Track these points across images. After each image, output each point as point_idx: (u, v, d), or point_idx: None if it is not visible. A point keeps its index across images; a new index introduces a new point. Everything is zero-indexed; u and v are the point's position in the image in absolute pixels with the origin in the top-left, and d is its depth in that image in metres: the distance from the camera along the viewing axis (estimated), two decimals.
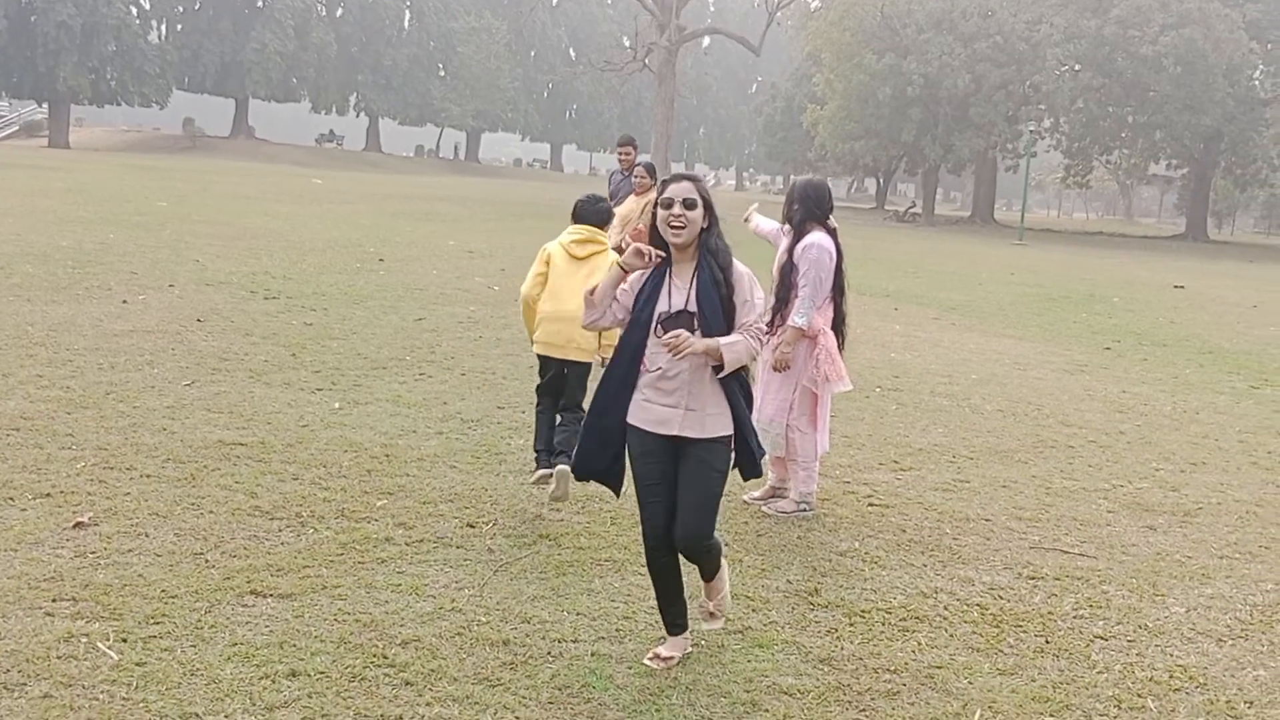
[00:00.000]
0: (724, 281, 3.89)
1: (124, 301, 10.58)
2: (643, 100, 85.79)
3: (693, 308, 3.86)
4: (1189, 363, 13.03)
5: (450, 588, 4.56)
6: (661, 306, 3.89)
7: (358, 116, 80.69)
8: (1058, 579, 5.29)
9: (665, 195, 3.92)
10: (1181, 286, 24.39)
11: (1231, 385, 11.56)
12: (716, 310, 3.86)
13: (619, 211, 10.07)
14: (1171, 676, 4.30)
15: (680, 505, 3.95)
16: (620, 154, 11.43)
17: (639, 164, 10.53)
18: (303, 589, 4.40)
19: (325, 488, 5.69)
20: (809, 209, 5.94)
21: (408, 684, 3.69)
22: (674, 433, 3.91)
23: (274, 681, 3.63)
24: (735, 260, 3.95)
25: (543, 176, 75.01)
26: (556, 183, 66.35)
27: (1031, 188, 63.20)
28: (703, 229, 3.91)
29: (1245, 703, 4.10)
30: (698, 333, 3.81)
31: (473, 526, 5.33)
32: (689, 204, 3.88)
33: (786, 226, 6.06)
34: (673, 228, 3.88)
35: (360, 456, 6.29)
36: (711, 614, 4.25)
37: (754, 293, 3.94)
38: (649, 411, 3.94)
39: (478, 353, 9.72)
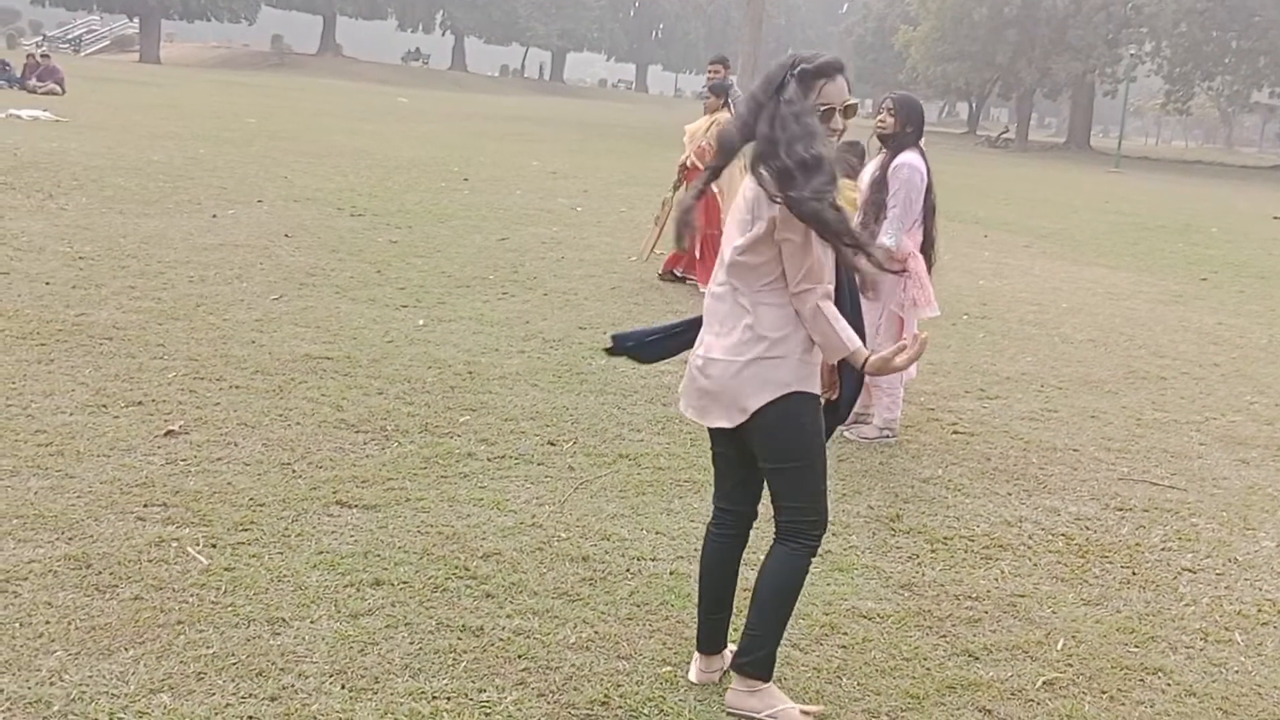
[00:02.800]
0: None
1: (213, 216, 10.74)
2: (730, 20, 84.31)
3: None
4: None
5: (531, 503, 4.60)
6: None
7: (443, 35, 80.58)
8: (1146, 511, 5.18)
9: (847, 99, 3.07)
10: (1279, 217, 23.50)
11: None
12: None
13: (687, 129, 9.96)
14: (1260, 610, 4.20)
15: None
16: (710, 72, 11.25)
17: (707, 84, 10.42)
18: (387, 501, 4.47)
19: (409, 403, 5.76)
20: (919, 129, 5.81)
21: (489, 596, 3.74)
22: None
23: (358, 589, 3.70)
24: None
25: (628, 98, 74.41)
26: (641, 104, 65.81)
27: (1130, 114, 61.09)
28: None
29: None
30: None
31: (553, 444, 5.36)
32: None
33: (877, 143, 5.91)
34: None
35: (444, 373, 6.35)
36: None
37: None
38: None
39: (560, 273, 9.72)
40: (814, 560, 4.29)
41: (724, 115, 9.83)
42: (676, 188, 9.88)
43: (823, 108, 2.97)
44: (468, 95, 53.54)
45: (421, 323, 7.48)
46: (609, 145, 26.28)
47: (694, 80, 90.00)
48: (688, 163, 9.71)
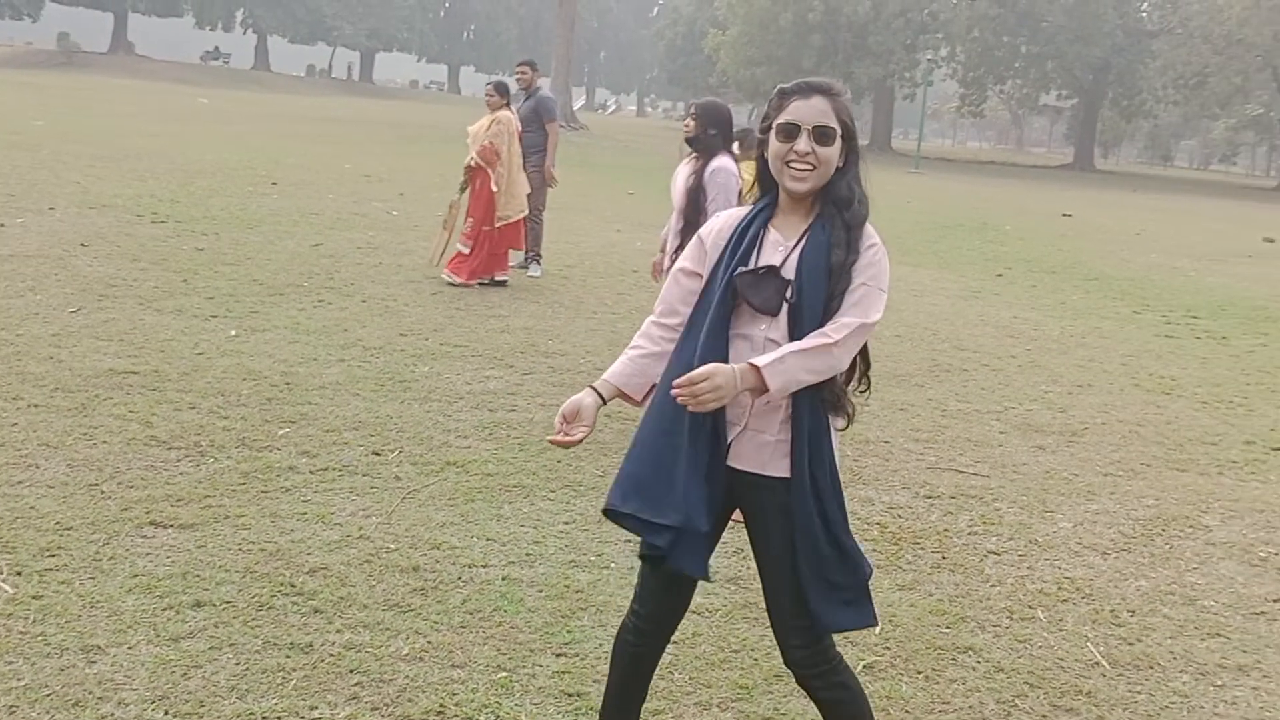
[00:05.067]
0: (848, 245, 2.53)
1: (0, 225, 10.13)
2: (542, 22, 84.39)
3: (789, 272, 2.52)
4: (1076, 289, 13.42)
5: (357, 515, 4.53)
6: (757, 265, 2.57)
7: (245, 33, 77.88)
8: (953, 498, 5.46)
9: (785, 118, 2.55)
10: (1069, 215, 25.02)
11: (1115, 310, 11.95)
12: (820, 283, 2.50)
13: (470, 129, 9.95)
14: (1060, 588, 4.48)
15: (767, 588, 2.71)
16: (518, 74, 11.27)
17: (489, 82, 10.45)
18: (204, 519, 4.32)
19: (224, 416, 5.57)
20: (725, 133, 5.93)
21: (317, 611, 3.67)
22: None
23: (178, 612, 3.57)
24: (871, 225, 2.61)
25: (440, 99, 73.43)
26: (454, 105, 65.08)
27: (928, 117, 63.89)
28: (838, 168, 2.59)
29: (1128, 611, 4.30)
30: (782, 315, 2.52)
31: (378, 454, 5.28)
32: (824, 136, 2.54)
33: (687, 149, 6.02)
34: (794, 169, 2.54)
35: (259, 384, 6.17)
36: None
37: (874, 277, 2.53)
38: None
39: (378, 279, 9.56)
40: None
41: (505, 114, 9.83)
42: (463, 190, 9.85)
43: (785, 124, 2.54)
44: (273, 96, 51.90)
45: (233, 333, 7.24)
46: (423, 147, 25.92)
47: (508, 83, 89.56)
48: (471, 163, 9.69)
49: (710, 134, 5.91)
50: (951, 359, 8.69)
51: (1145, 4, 57.93)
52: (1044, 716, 3.47)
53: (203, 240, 10.48)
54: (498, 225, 9.68)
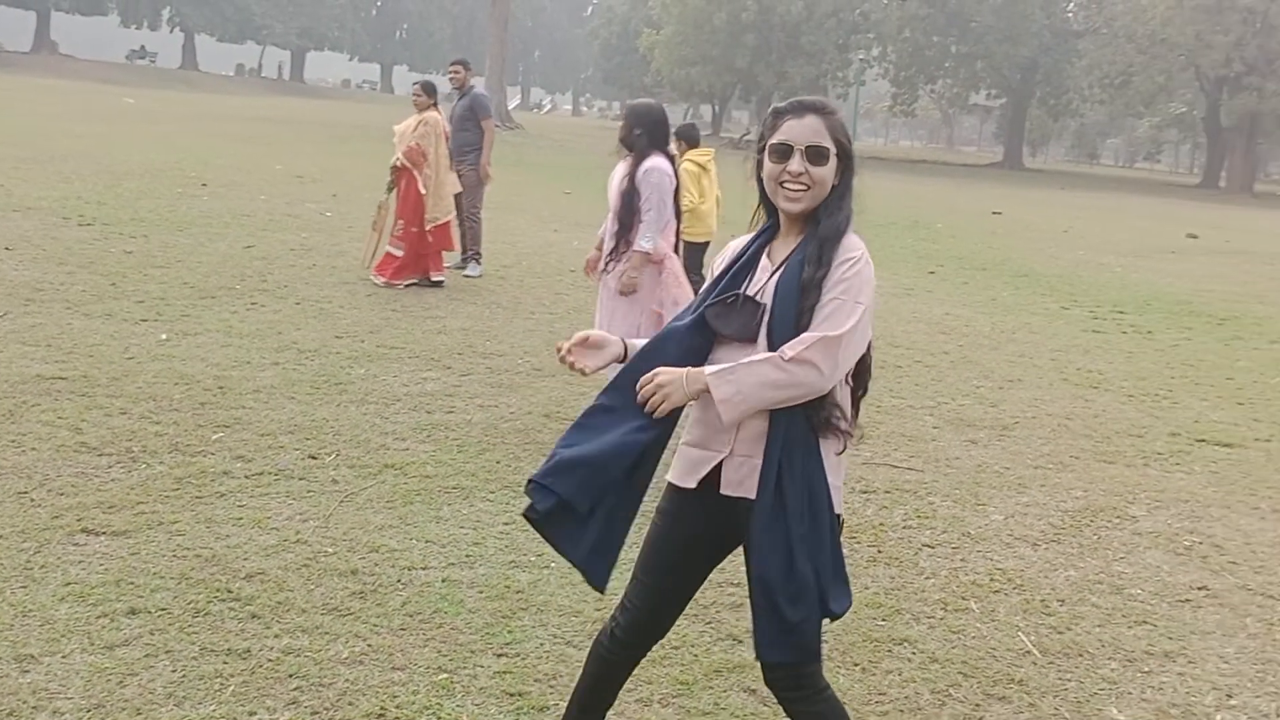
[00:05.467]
0: (819, 260, 2.48)
1: None
2: (476, 20, 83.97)
3: (767, 297, 2.51)
4: (1006, 285, 13.66)
5: (294, 520, 4.49)
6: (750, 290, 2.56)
7: (171, 32, 76.49)
8: (888, 492, 5.54)
9: (778, 138, 2.55)
10: (999, 213, 25.45)
11: (1044, 306, 12.18)
12: (791, 303, 2.46)
13: (396, 129, 9.88)
14: (992, 579, 4.57)
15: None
16: (451, 73, 11.23)
17: (416, 82, 10.39)
18: (138, 525, 4.26)
19: (156, 422, 5.49)
20: (653, 134, 5.95)
21: (254, 617, 3.64)
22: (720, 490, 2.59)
23: (112, 620, 3.52)
24: (852, 235, 2.57)
25: (373, 98, 72.75)
26: (387, 105, 64.52)
27: (861, 116, 64.58)
28: (833, 187, 2.57)
29: (1058, 601, 4.40)
30: (761, 340, 2.49)
31: (315, 458, 5.24)
32: (817, 155, 2.53)
33: (622, 150, 6.05)
34: (787, 189, 2.54)
35: (192, 389, 6.09)
36: None
37: (846, 290, 2.46)
38: (683, 456, 2.66)
39: (312, 281, 9.46)
40: None
41: (432, 115, 9.77)
42: (390, 190, 9.77)
43: (778, 144, 2.55)
44: (201, 96, 51.08)
45: (164, 337, 7.13)
46: (356, 147, 25.67)
47: (442, 81, 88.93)
48: (398, 163, 9.63)
49: (636, 134, 5.94)
50: (885, 356, 8.81)
51: (1071, 4, 59.00)
52: (977, 705, 3.55)
53: (131, 243, 10.30)
54: (428, 228, 9.62)
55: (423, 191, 9.57)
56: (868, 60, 56.53)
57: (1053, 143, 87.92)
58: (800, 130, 2.52)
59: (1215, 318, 12.19)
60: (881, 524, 5.09)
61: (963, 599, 4.36)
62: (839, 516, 2.56)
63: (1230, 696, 3.74)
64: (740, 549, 2.61)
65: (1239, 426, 7.41)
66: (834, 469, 2.55)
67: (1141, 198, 42.63)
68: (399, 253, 9.59)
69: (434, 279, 9.79)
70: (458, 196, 10.90)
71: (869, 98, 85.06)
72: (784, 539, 2.44)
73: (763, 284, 2.53)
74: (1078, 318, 11.61)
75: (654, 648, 2.83)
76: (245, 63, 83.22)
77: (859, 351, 2.49)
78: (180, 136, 23.60)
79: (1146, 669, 3.89)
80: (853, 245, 2.52)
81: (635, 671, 3.49)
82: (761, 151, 2.58)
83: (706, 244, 8.97)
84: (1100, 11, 53.97)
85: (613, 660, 2.79)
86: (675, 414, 2.55)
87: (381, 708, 3.19)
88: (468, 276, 10.56)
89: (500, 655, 3.56)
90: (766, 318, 2.49)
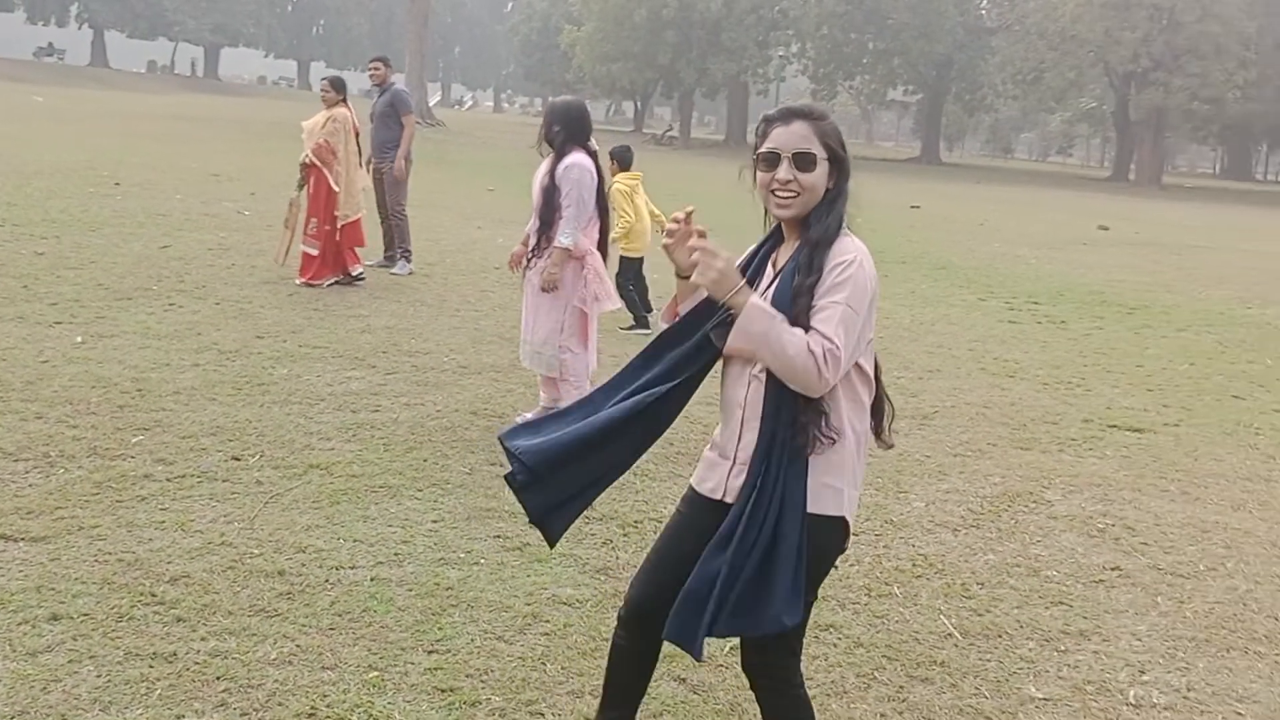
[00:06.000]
0: (809, 266, 2.49)
1: None
2: (394, 16, 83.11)
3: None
4: (925, 278, 13.91)
5: (218, 522, 4.44)
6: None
7: (80, 28, 74.72)
8: None
9: (766, 146, 2.56)
10: (918, 206, 25.88)
11: (962, 298, 12.43)
12: (784, 310, 2.46)
13: (304, 125, 9.76)
14: (914, 565, 4.68)
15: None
16: (371, 70, 11.14)
17: (324, 77, 10.29)
18: (57, 531, 4.18)
19: (73, 426, 5.39)
20: (570, 130, 5.96)
21: (180, 620, 3.60)
22: (719, 497, 2.66)
23: (34, 626, 3.46)
24: (848, 237, 2.58)
25: (290, 95, 71.66)
26: (305, 101, 63.62)
27: None
28: (827, 190, 2.56)
29: (978, 584, 4.51)
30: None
31: (238, 459, 5.18)
32: (804, 161, 2.53)
33: (545, 147, 6.07)
34: (777, 196, 2.54)
35: (110, 392, 5.98)
36: None
37: (839, 297, 2.44)
38: (703, 459, 2.77)
39: (231, 281, 9.33)
40: (513, 554, 4.41)
41: (341, 111, 9.64)
42: (301, 187, 9.64)
43: (766, 152, 2.56)
44: (113, 93, 49.91)
45: (80, 340, 6.99)
46: (273, 145, 25.29)
47: (361, 78, 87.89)
48: (307, 160, 9.51)
49: (555, 130, 5.96)
50: None
51: (984, 2, 60.17)
52: (901, 688, 3.63)
53: (43, 244, 10.06)
54: (339, 225, 9.47)
55: (334, 188, 9.43)
56: (787, 56, 57.05)
57: (968, 137, 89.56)
58: (787, 137, 2.53)
59: (1126, 307, 12.53)
60: None
61: (886, 584, 4.45)
62: (842, 519, 2.61)
63: (1143, 672, 3.87)
64: None
65: (1149, 412, 7.64)
66: (833, 469, 2.56)
67: (1055, 191, 43.61)
68: (314, 251, 9.45)
69: (353, 274, 9.69)
70: (380, 195, 10.82)
71: (789, 93, 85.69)
72: (742, 538, 2.48)
73: (763, 293, 2.54)
74: (994, 309, 11.86)
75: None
76: (157, 60, 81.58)
77: (853, 356, 2.48)
78: (92, 135, 23.06)
79: (1063, 648, 4.01)
80: (846, 249, 2.51)
81: (566, 664, 3.53)
82: (755, 160, 2.58)
83: (642, 259, 9.30)
84: (1013, 9, 55.09)
85: (618, 644, 2.86)
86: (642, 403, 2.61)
87: (312, 707, 3.18)
88: (395, 275, 10.48)
89: (431, 652, 3.56)
90: None
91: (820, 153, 2.52)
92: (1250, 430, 7.36)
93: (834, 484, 2.58)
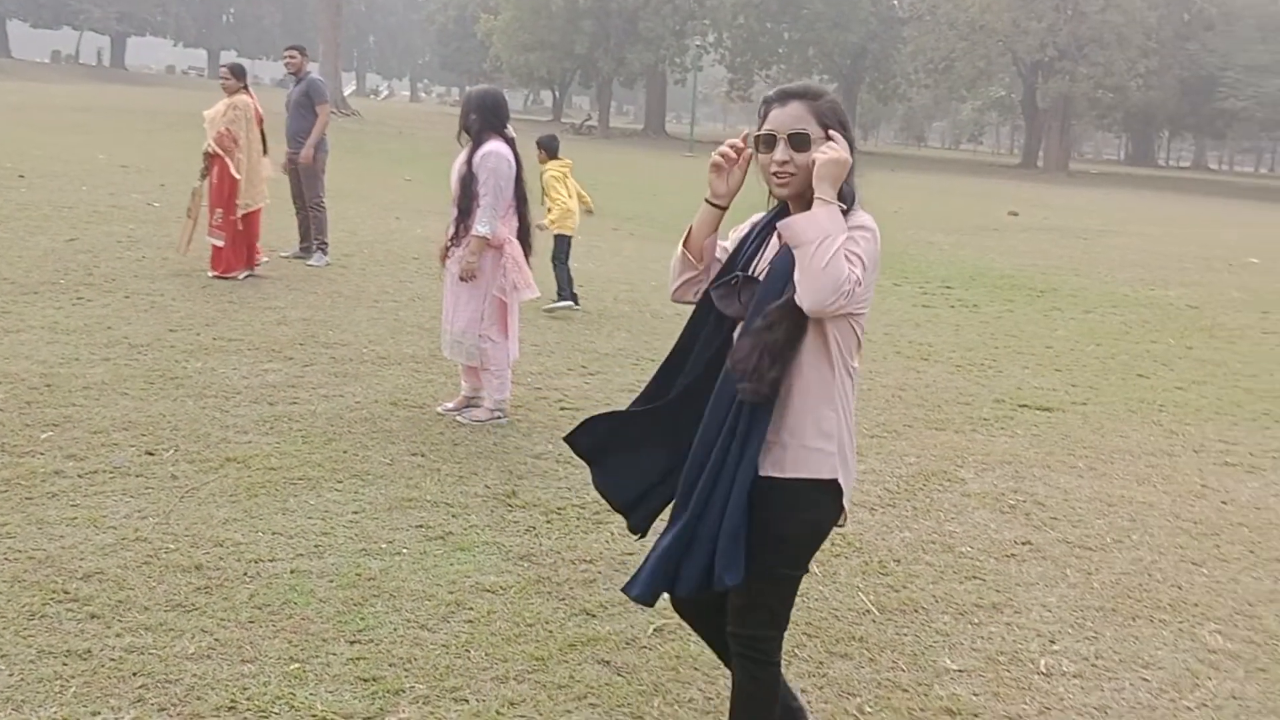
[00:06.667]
0: None
1: None
2: (307, 4, 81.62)
3: (761, 275, 2.62)
4: None
5: (132, 517, 4.36)
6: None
7: None
8: None
9: (765, 129, 2.61)
10: None
11: (878, 284, 12.59)
12: (780, 277, 2.54)
13: (206, 114, 9.58)
14: (832, 543, 4.75)
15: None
16: (286, 59, 11.00)
17: (224, 64, 10.12)
18: None
19: None
20: (486, 118, 5.95)
21: (94, 617, 3.53)
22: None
23: None
24: (858, 212, 2.58)
25: (200, 85, 70.03)
26: (216, 92, 62.31)
27: (699, 101, 65.37)
28: None
29: (894, 561, 4.61)
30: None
31: (152, 454, 5.09)
32: (800, 142, 2.56)
33: (464, 137, 6.04)
34: (776, 177, 2.59)
35: (16, 388, 5.83)
36: None
37: (857, 246, 2.51)
38: None
39: (142, 274, 9.13)
40: (436, 543, 4.40)
41: (242, 98, 9.47)
42: (203, 176, 9.44)
43: (763, 134, 2.60)
44: (15, 84, 48.37)
45: None
46: (184, 136, 24.70)
47: (272, 67, 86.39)
48: (210, 150, 9.33)
49: (471, 119, 5.95)
50: None
51: None
52: (821, 663, 3.70)
53: None
54: (238, 214, 9.26)
55: (236, 177, 9.24)
56: (704, 46, 57.21)
57: (883, 126, 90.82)
58: (782, 118, 2.57)
59: (1035, 290, 12.83)
60: None
61: None
62: (832, 481, 2.62)
63: (1053, 642, 3.99)
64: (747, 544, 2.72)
65: (1057, 391, 7.85)
66: (812, 429, 2.61)
67: (966, 178, 44.40)
68: (221, 243, 9.25)
69: (255, 269, 9.51)
70: (296, 185, 10.66)
71: (707, 83, 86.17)
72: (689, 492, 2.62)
73: (768, 261, 2.61)
74: (909, 294, 12.06)
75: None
76: (62, 49, 79.19)
77: (859, 303, 2.52)
78: None
79: (976, 620, 4.11)
80: (863, 218, 2.56)
81: (490, 650, 3.54)
82: (755, 141, 2.62)
83: (570, 237, 9.63)
84: None
85: (682, 608, 2.94)
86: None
87: (232, 700, 3.15)
88: (312, 266, 10.34)
89: (353, 642, 3.54)
90: (757, 291, 2.56)
91: (816, 132, 2.55)
92: (1154, 407, 7.60)
93: (815, 445, 2.61)
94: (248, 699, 3.16)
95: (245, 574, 3.96)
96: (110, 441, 5.20)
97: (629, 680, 3.48)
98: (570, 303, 9.43)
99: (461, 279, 5.93)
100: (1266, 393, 8.26)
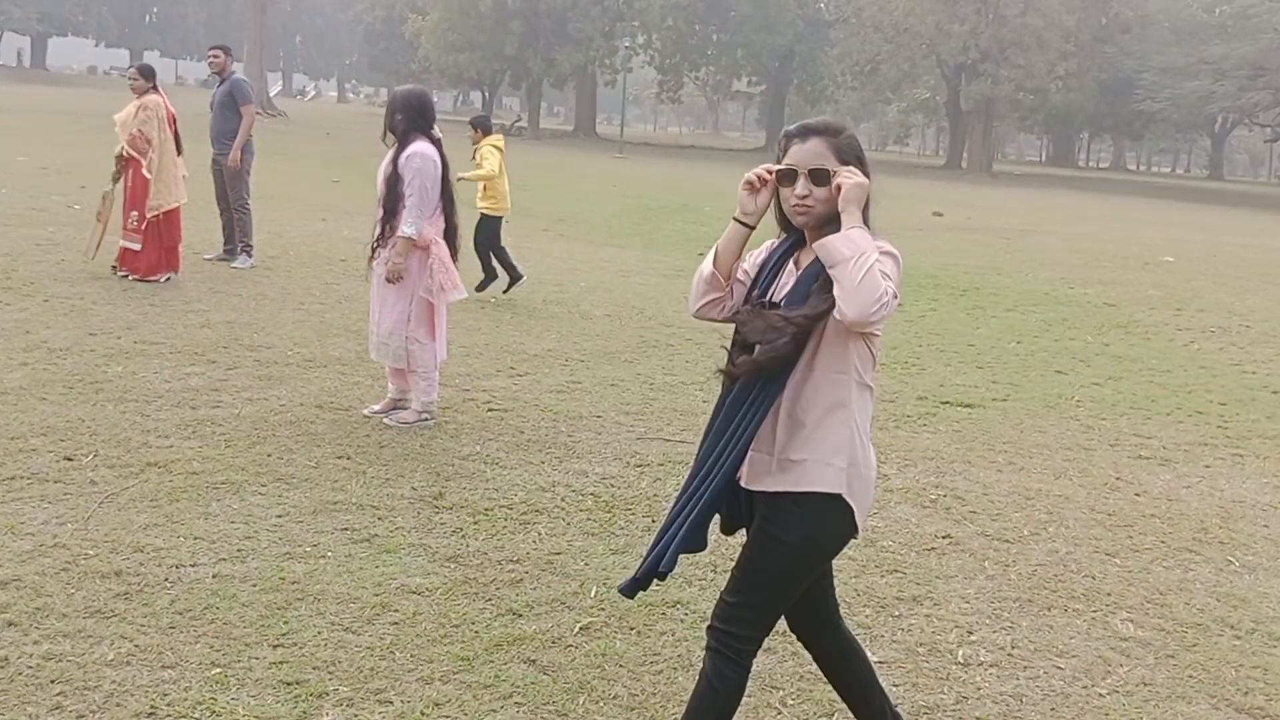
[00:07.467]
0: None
1: None
2: (233, 4, 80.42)
3: (780, 299, 2.71)
4: None
5: (50, 524, 4.29)
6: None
7: None
8: (661, 465, 5.73)
9: (785, 164, 2.69)
10: None
11: None
12: (801, 298, 2.65)
13: (116, 118, 9.45)
14: None
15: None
16: (210, 59, 10.87)
17: (133, 66, 10.01)
18: None
19: None
20: (412, 118, 5.93)
21: (10, 624, 3.47)
22: (757, 487, 2.83)
23: None
24: (879, 237, 2.70)
25: (122, 85, 68.76)
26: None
27: (629, 103, 65.49)
28: None
29: None
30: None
31: (71, 459, 5.01)
32: (820, 177, 2.65)
33: (390, 137, 6.02)
34: (796, 209, 2.69)
35: None
36: None
37: (886, 265, 2.63)
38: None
39: (61, 277, 8.96)
40: (361, 545, 4.39)
41: (153, 99, 9.34)
42: (116, 179, 9.30)
43: (784, 170, 2.69)
44: None
45: None
46: (106, 137, 24.16)
47: (196, 68, 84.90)
48: (123, 153, 9.20)
49: (397, 119, 5.94)
50: (659, 335, 9.06)
51: None
52: None
53: None
54: (149, 215, 9.10)
55: (148, 177, 9.09)
56: (634, 48, 57.40)
57: None
58: (803, 154, 2.67)
59: (959, 289, 13.06)
60: (655, 495, 5.27)
61: (731, 560, 4.54)
62: (838, 496, 2.71)
63: (971, 633, 4.08)
64: (742, 538, 3.02)
65: (979, 388, 8.01)
66: (825, 444, 2.72)
67: (893, 179, 44.89)
68: (136, 246, 9.08)
69: (177, 271, 9.36)
70: (220, 186, 10.54)
71: (636, 84, 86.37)
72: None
73: (785, 289, 2.71)
74: None
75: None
76: None
77: (885, 317, 2.58)
78: None
79: (897, 613, 4.20)
80: (883, 244, 2.66)
81: (415, 652, 3.54)
82: (777, 175, 2.71)
83: (501, 218, 10.07)
84: (849, 2, 56.47)
85: (815, 649, 3.09)
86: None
87: (152, 706, 3.12)
88: (236, 269, 10.21)
89: (276, 646, 3.53)
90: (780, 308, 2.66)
91: (835, 167, 2.65)
92: (1071, 402, 7.79)
93: (817, 457, 2.72)
94: (168, 704, 3.14)
95: (166, 579, 3.92)
96: (28, 447, 5.10)
97: (554, 679, 3.50)
98: (491, 281, 9.92)
99: (388, 280, 5.91)
100: (1179, 388, 8.50)
